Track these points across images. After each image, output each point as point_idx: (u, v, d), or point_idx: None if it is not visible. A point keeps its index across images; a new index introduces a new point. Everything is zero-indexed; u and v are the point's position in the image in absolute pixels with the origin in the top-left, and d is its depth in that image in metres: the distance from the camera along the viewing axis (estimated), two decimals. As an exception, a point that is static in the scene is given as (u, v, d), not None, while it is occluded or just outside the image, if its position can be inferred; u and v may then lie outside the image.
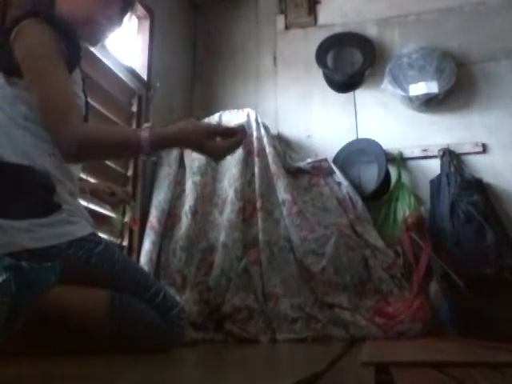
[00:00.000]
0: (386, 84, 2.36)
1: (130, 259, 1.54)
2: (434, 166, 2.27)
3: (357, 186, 2.18)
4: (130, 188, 2.03)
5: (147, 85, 2.20)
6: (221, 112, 2.29)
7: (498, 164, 2.23)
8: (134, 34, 2.28)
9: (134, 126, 2.09)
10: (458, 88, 2.33)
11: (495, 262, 1.87)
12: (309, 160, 2.24)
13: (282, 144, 2.43)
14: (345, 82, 2.52)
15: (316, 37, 2.60)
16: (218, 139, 1.13)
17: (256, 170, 2.05)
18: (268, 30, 2.76)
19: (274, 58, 2.71)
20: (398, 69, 2.39)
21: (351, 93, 2.53)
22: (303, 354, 1.39)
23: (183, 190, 2.11)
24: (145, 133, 1.07)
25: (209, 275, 1.85)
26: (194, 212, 2.00)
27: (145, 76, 2.20)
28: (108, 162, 1.90)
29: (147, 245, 1.93)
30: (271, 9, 2.78)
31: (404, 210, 2.15)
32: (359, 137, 2.43)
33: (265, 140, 2.13)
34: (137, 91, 2.16)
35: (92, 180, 1.68)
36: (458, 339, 1.63)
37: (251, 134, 2.14)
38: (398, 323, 1.71)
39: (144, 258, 1.89)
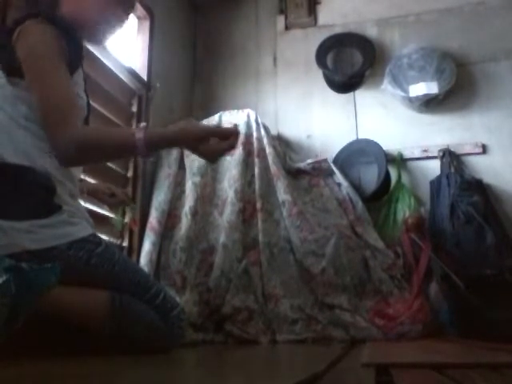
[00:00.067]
0: (386, 84, 2.36)
1: (130, 260, 1.53)
2: (433, 167, 2.27)
3: (357, 187, 2.18)
4: (130, 189, 2.02)
5: (147, 85, 2.20)
6: (221, 112, 2.28)
7: (498, 165, 2.23)
8: (134, 34, 2.28)
9: (133, 127, 2.09)
10: (457, 88, 2.32)
11: (495, 262, 1.86)
12: (309, 161, 2.24)
13: (282, 144, 2.42)
14: (345, 83, 2.52)
15: (316, 37, 2.60)
16: (214, 141, 1.13)
17: (256, 170, 2.05)
18: (268, 30, 2.76)
19: (274, 59, 2.71)
20: (398, 69, 2.39)
21: (351, 93, 2.53)
22: (303, 355, 1.39)
23: (183, 191, 2.11)
24: (139, 133, 1.05)
25: (209, 276, 1.85)
26: (194, 213, 2.00)
27: (145, 76, 2.20)
28: (108, 163, 1.90)
29: (147, 246, 1.93)
30: (271, 9, 2.78)
31: (404, 210, 2.15)
32: (359, 137, 2.43)
33: (265, 140, 2.13)
34: (137, 91, 2.16)
35: (92, 181, 1.68)
36: (458, 340, 1.62)
37: (251, 135, 2.13)
38: (398, 325, 1.71)
39: (144, 259, 1.90)
